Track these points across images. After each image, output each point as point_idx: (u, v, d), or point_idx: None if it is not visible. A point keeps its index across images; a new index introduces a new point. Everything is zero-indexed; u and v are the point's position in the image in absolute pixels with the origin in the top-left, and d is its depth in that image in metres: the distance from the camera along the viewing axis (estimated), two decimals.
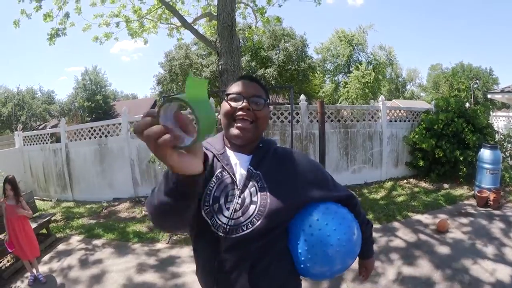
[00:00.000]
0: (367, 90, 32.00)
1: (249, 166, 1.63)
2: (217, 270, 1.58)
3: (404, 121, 11.04)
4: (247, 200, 1.57)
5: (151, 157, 8.62)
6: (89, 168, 10.44)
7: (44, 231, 7.09)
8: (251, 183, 1.61)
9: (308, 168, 1.72)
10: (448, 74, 43.18)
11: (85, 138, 10.54)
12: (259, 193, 1.58)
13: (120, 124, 9.99)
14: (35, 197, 8.31)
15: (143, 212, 8.38)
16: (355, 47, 38.70)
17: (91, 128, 10.51)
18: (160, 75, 32.80)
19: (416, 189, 9.24)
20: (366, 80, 31.87)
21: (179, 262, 5.59)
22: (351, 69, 36.90)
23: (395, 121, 10.99)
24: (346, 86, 34.30)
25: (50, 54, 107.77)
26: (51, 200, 10.83)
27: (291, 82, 29.16)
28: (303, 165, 1.71)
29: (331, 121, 10.17)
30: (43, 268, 5.78)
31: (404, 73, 62.15)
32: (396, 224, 6.80)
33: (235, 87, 1.65)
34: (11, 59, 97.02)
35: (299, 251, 1.62)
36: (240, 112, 1.58)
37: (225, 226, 1.54)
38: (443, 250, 5.52)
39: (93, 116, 35.56)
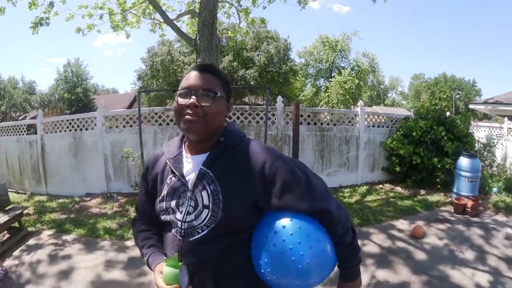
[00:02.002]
0: (348, 96, 32.31)
1: (201, 166, 1.55)
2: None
3: (382, 126, 11.17)
4: (200, 204, 1.52)
5: (125, 153, 8.69)
6: (63, 161, 10.30)
7: (16, 224, 7.03)
8: (202, 184, 1.53)
9: (275, 169, 1.50)
10: (431, 83, 43.90)
11: (61, 131, 10.39)
12: (211, 197, 1.50)
13: (95, 118, 9.87)
14: (9, 190, 8.21)
15: (114, 208, 8.35)
16: (339, 53, 39.04)
17: (67, 120, 10.37)
18: (141, 71, 32.40)
19: (391, 194, 9.35)
20: (348, 86, 32.16)
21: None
22: (333, 74, 37.22)
23: (373, 126, 11.10)
24: (327, 90, 34.60)
25: (34, 44, 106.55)
26: (25, 193, 10.69)
27: (271, 84, 29.14)
28: (269, 164, 1.51)
29: (308, 123, 10.24)
30: (13, 262, 5.80)
31: (386, 80, 63.06)
32: (370, 228, 6.86)
33: (184, 80, 1.57)
34: None
35: (260, 261, 1.52)
36: (187, 110, 1.47)
37: (180, 230, 1.56)
38: (419, 255, 5.59)
39: (73, 109, 35.14)
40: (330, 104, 32.77)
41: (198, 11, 10.10)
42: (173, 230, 1.61)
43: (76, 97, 36.59)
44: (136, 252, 5.81)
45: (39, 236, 6.96)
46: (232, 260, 1.55)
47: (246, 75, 28.18)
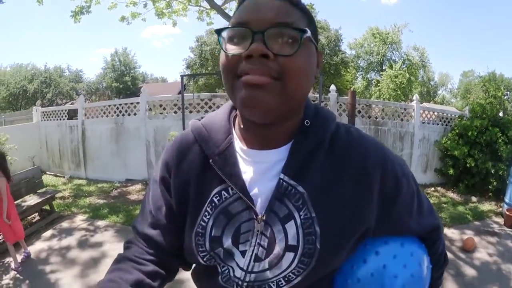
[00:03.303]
0: (399, 91, 31.22)
1: (282, 175, 0.86)
2: None
3: (438, 124, 10.40)
4: (280, 243, 0.86)
5: (170, 136, 8.22)
6: (104, 146, 10.21)
7: (47, 207, 6.92)
8: (285, 209, 0.86)
9: (397, 180, 0.93)
10: (485, 79, 42.05)
11: (102, 116, 10.33)
12: (301, 230, 0.85)
13: (138, 103, 9.69)
14: (49, 173, 8.14)
15: None
16: (389, 46, 37.95)
17: (109, 106, 10.28)
18: (189, 59, 32.10)
19: (443, 199, 8.63)
20: (400, 80, 31.10)
21: None
22: (384, 68, 36.15)
23: (428, 123, 10.37)
24: (378, 84, 33.57)
25: (81, 35, 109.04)
26: (64, 177, 10.65)
27: (323, 75, 28.72)
28: (391, 173, 0.92)
29: (362, 116, 9.61)
30: (42, 245, 5.66)
31: (436, 77, 60.76)
32: None
33: (238, 13, 0.82)
34: (40, 38, 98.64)
35: None
36: (247, 66, 0.76)
37: (240, 282, 0.89)
38: (468, 271, 5.07)
39: (121, 97, 35.47)
40: (382, 99, 31.71)
41: None
42: (220, 281, 0.94)
43: (124, 85, 37.01)
44: None
45: (72, 220, 6.79)
46: None
47: None
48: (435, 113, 10.71)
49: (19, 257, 5.12)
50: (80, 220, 6.78)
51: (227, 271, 0.91)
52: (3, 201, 4.89)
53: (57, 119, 11.44)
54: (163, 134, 9.05)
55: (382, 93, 32.09)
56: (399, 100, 30.60)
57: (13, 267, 4.96)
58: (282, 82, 0.76)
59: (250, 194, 0.87)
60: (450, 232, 6.43)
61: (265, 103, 0.76)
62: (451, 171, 9.30)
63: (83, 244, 5.65)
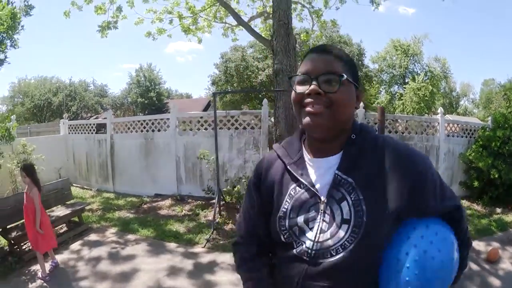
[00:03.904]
0: (422, 104, 30.96)
1: (337, 171, 1.26)
2: None
3: (462, 136, 10.33)
4: (338, 218, 1.22)
5: (200, 154, 8.43)
6: (133, 161, 10.36)
7: (75, 219, 7.10)
8: (340, 194, 1.23)
9: (425, 172, 1.26)
10: (506, 87, 41.34)
11: (131, 131, 10.48)
12: (353, 208, 1.20)
13: (168, 119, 9.82)
14: (75, 185, 8.34)
15: (184, 211, 8.11)
16: (411, 58, 37.77)
17: (138, 121, 10.45)
18: (214, 76, 32.17)
19: (468, 212, 8.56)
20: (423, 93, 30.84)
21: (215, 270, 5.23)
22: (406, 80, 35.93)
23: (452, 136, 10.31)
24: (402, 98, 33.33)
25: (106, 50, 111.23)
26: (91, 189, 10.85)
27: None
28: (421, 167, 1.25)
29: (389, 131, 9.61)
30: (70, 256, 5.80)
31: (457, 87, 59.77)
32: None
33: (302, 66, 1.27)
34: (64, 52, 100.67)
35: (398, 279, 1.21)
36: (308, 100, 1.21)
37: (309, 251, 1.25)
38: (493, 281, 5.05)
39: (146, 112, 35.79)
40: (405, 112, 31.47)
41: (270, 13, 9.94)
42: (294, 251, 1.29)
43: (149, 101, 37.27)
44: (203, 260, 5.56)
45: (101, 233, 6.91)
46: (359, 285, 1.24)
47: None
48: (459, 125, 10.66)
49: (47, 267, 5.22)
50: (110, 233, 6.88)
51: (300, 244, 1.28)
52: (36, 211, 5.03)
53: (85, 133, 11.66)
54: (193, 150, 9.17)
55: (405, 106, 31.84)
56: (422, 113, 30.36)
57: (40, 276, 5.07)
58: (331, 110, 1.19)
59: (315, 186, 1.28)
60: (475, 244, 6.37)
61: (320, 125, 1.20)
62: (475, 183, 9.24)
63: (113, 257, 5.72)
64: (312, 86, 1.18)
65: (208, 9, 11.06)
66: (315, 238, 1.23)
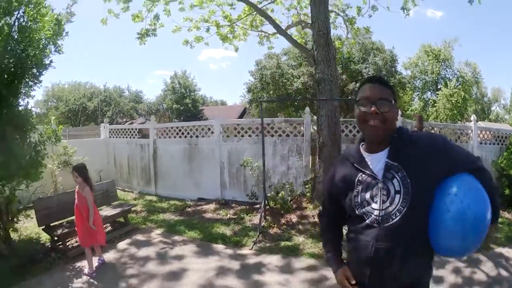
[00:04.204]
0: (455, 111, 30.43)
1: (387, 160, 1.85)
2: (372, 258, 1.82)
3: (494, 144, 10.29)
4: (392, 191, 1.81)
5: (244, 161, 8.60)
6: (176, 165, 10.58)
7: (121, 219, 7.37)
8: (391, 174, 1.83)
9: (441, 147, 1.84)
10: None
11: (174, 137, 10.72)
12: (401, 183, 1.79)
13: (212, 126, 10.05)
14: (116, 187, 8.62)
15: (229, 215, 8.26)
16: (442, 63, 37.15)
17: (182, 127, 10.67)
18: (250, 83, 32.45)
19: (499, 220, 8.49)
20: (455, 99, 30.29)
21: (263, 271, 5.34)
22: (439, 87, 35.33)
23: (485, 143, 10.29)
24: (435, 105, 32.74)
25: (140, 57, 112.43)
26: (132, 192, 11.14)
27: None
28: (436, 145, 1.84)
29: None
30: (116, 255, 6.05)
31: (489, 92, 58.07)
32: (480, 255, 6.13)
33: (362, 92, 1.91)
34: (98, 59, 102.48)
35: (438, 228, 1.75)
36: (370, 119, 1.83)
37: (377, 217, 1.83)
38: None
39: (181, 118, 36.21)
40: (439, 120, 30.78)
41: (307, 22, 10.08)
42: (367, 221, 1.87)
43: (185, 107, 37.67)
44: (251, 261, 5.70)
45: (147, 233, 7.14)
46: (417, 238, 1.80)
47: (356, 88, 26.88)
48: (491, 133, 10.67)
49: (94, 263, 5.44)
50: (156, 234, 7.10)
51: (369, 214, 1.86)
52: (89, 208, 5.30)
53: (126, 137, 12.02)
54: (237, 156, 9.36)
55: (439, 113, 31.27)
56: (455, 120, 29.83)
57: (87, 272, 5.29)
58: (385, 124, 1.82)
59: (373, 172, 1.88)
60: (505, 251, 6.43)
61: (378, 134, 1.85)
62: (506, 191, 9.13)
63: (161, 256, 5.92)
64: (373, 108, 1.80)
65: (244, 18, 11.23)
66: (380, 207, 1.82)
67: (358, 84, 27.69)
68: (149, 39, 10.82)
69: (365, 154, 1.97)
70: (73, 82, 46.61)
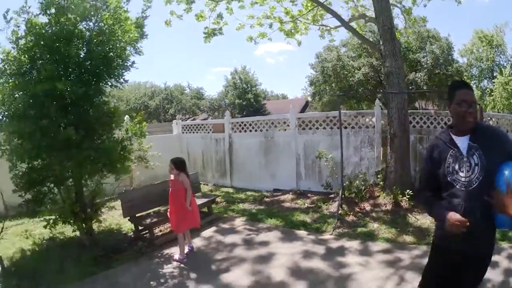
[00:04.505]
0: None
1: (469, 142, 2.57)
2: (463, 215, 2.46)
3: None
4: (473, 163, 2.52)
5: (319, 153, 8.89)
6: (252, 158, 10.96)
7: (205, 209, 7.80)
8: (472, 152, 2.54)
9: (502, 140, 2.56)
10: None
11: (250, 131, 11.09)
12: (478, 158, 2.50)
13: (288, 119, 10.32)
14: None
15: (306, 204, 8.56)
16: (496, 49, 35.35)
17: (258, 121, 11.05)
18: (312, 76, 32.17)
19: None
20: (511, 87, 28.76)
21: (345, 253, 5.65)
22: (494, 74, 33.75)
23: None
24: (492, 93, 31.28)
25: (197, 55, 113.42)
26: (207, 184, 11.66)
27: (440, 87, 26.85)
28: (502, 136, 2.62)
29: None
30: (203, 242, 6.51)
31: None
32: None
33: (460, 95, 2.59)
34: (159, 59, 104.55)
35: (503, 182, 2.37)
36: (467, 117, 2.53)
37: (465, 183, 2.55)
38: None
39: (244, 113, 36.48)
40: (496, 109, 29.11)
41: (370, 16, 10.17)
42: (457, 186, 2.59)
43: (247, 102, 37.98)
44: (332, 245, 6.02)
45: (230, 222, 7.60)
46: (487, 201, 2.42)
47: (417, 78, 26.11)
48: None
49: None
50: (239, 222, 7.55)
51: (458, 180, 2.59)
52: (187, 190, 5.77)
53: (200, 132, 12.60)
54: (312, 148, 9.63)
55: (496, 103, 29.69)
56: None
57: (177, 258, 5.72)
58: (475, 119, 2.59)
59: (460, 149, 2.59)
60: None
61: (470, 127, 2.59)
62: None
63: (248, 242, 6.33)
64: (470, 110, 2.52)
65: (306, 13, 11.42)
66: (465, 175, 2.54)
67: (418, 74, 27.15)
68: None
69: (454, 137, 2.68)
70: (132, 82, 47.39)
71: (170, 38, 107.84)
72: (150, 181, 9.51)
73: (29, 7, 5.82)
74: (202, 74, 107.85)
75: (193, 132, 12.97)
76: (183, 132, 13.38)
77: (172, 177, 5.97)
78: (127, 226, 7.39)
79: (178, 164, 5.96)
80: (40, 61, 5.76)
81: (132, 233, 7.03)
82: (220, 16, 11.03)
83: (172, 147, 12.55)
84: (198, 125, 12.93)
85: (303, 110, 35.50)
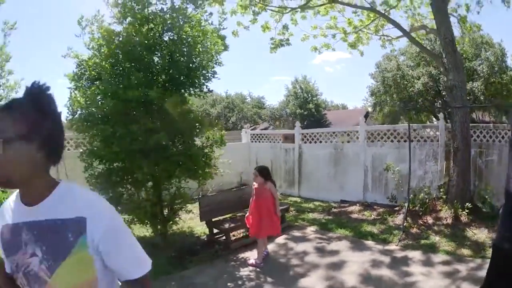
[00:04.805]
0: None
1: None
2: None
3: None
4: None
5: (387, 166, 9.10)
6: (320, 169, 11.22)
7: None
8: None
9: None
10: None
11: (320, 142, 11.41)
12: None
13: (357, 132, 10.59)
14: None
15: (373, 216, 8.88)
16: None
17: (328, 133, 11.39)
18: (373, 86, 31.87)
19: None
20: None
21: (409, 263, 5.97)
22: None
23: None
24: None
25: (255, 65, 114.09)
26: None
27: (495, 97, 25.60)
28: None
29: None
30: (276, 248, 6.93)
31: None
32: None
33: None
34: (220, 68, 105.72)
35: None
36: None
37: None
38: None
39: (305, 123, 35.53)
40: None
41: (429, 28, 10.29)
42: None
43: (308, 112, 37.66)
44: (398, 255, 6.35)
45: (303, 230, 7.99)
46: None
47: (474, 88, 25.19)
48: None
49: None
50: (310, 230, 7.94)
51: None
52: (275, 200, 6.17)
53: (269, 141, 13.01)
54: (380, 160, 9.85)
55: None
56: None
57: (254, 262, 6.02)
58: None
59: None
60: None
61: None
62: None
63: (320, 250, 6.70)
64: None
65: (368, 24, 11.55)
66: None
67: (474, 84, 26.08)
68: (264, 47, 11.74)
69: None
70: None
71: (231, 47, 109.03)
72: (218, 188, 9.91)
73: (103, 16, 6.30)
74: (261, 83, 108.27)
75: (262, 141, 13.40)
76: (251, 141, 13.80)
77: (255, 185, 6.25)
78: (198, 229, 7.91)
79: (264, 172, 6.29)
80: (120, 68, 6.18)
81: (205, 236, 7.50)
82: (285, 27, 11.38)
83: (241, 155, 12.95)
84: (267, 134, 13.37)
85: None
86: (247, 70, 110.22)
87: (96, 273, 1.38)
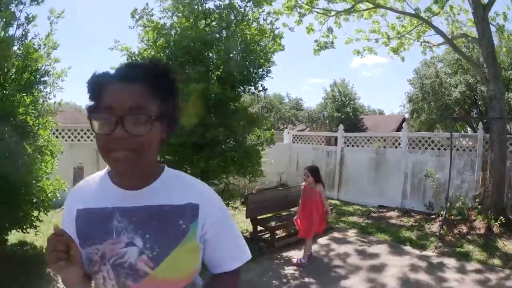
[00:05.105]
0: None
1: None
2: None
3: None
4: None
5: (428, 172, 9.26)
6: (361, 173, 11.39)
7: None
8: None
9: None
10: None
11: (362, 146, 11.62)
12: None
13: (399, 137, 10.78)
14: None
15: (410, 222, 9.06)
16: None
17: (370, 137, 11.58)
18: (411, 93, 31.39)
19: None
20: None
21: (444, 269, 6.25)
22: None
23: None
24: None
25: (293, 66, 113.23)
26: None
27: None
28: None
29: None
30: (319, 248, 7.18)
31: None
32: None
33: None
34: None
35: None
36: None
37: None
38: None
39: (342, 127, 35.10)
40: None
41: (470, 36, 10.35)
42: None
43: (345, 116, 36.63)
44: (434, 261, 6.61)
45: (344, 232, 8.27)
46: None
47: (510, 99, 24.05)
48: None
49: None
50: (351, 233, 8.22)
51: None
52: (323, 201, 6.27)
53: (311, 143, 13.26)
54: (420, 168, 10.01)
55: None
56: None
57: (299, 262, 6.14)
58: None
59: None
60: None
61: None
62: None
63: (361, 253, 6.97)
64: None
65: (409, 30, 11.67)
66: None
67: (511, 94, 25.36)
68: (303, 48, 12.08)
69: None
70: None
71: None
72: (259, 187, 10.26)
73: (152, 9, 6.48)
74: (299, 85, 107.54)
75: (303, 143, 13.66)
76: (293, 142, 14.05)
77: (305, 184, 6.37)
78: (241, 226, 8.09)
79: (315, 172, 6.36)
80: (177, 62, 6.28)
81: (247, 233, 7.65)
82: (330, 30, 11.66)
83: (282, 155, 13.15)
84: (309, 136, 13.66)
85: (399, 127, 34.50)
86: (286, 71, 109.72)
87: (200, 262, 1.33)
